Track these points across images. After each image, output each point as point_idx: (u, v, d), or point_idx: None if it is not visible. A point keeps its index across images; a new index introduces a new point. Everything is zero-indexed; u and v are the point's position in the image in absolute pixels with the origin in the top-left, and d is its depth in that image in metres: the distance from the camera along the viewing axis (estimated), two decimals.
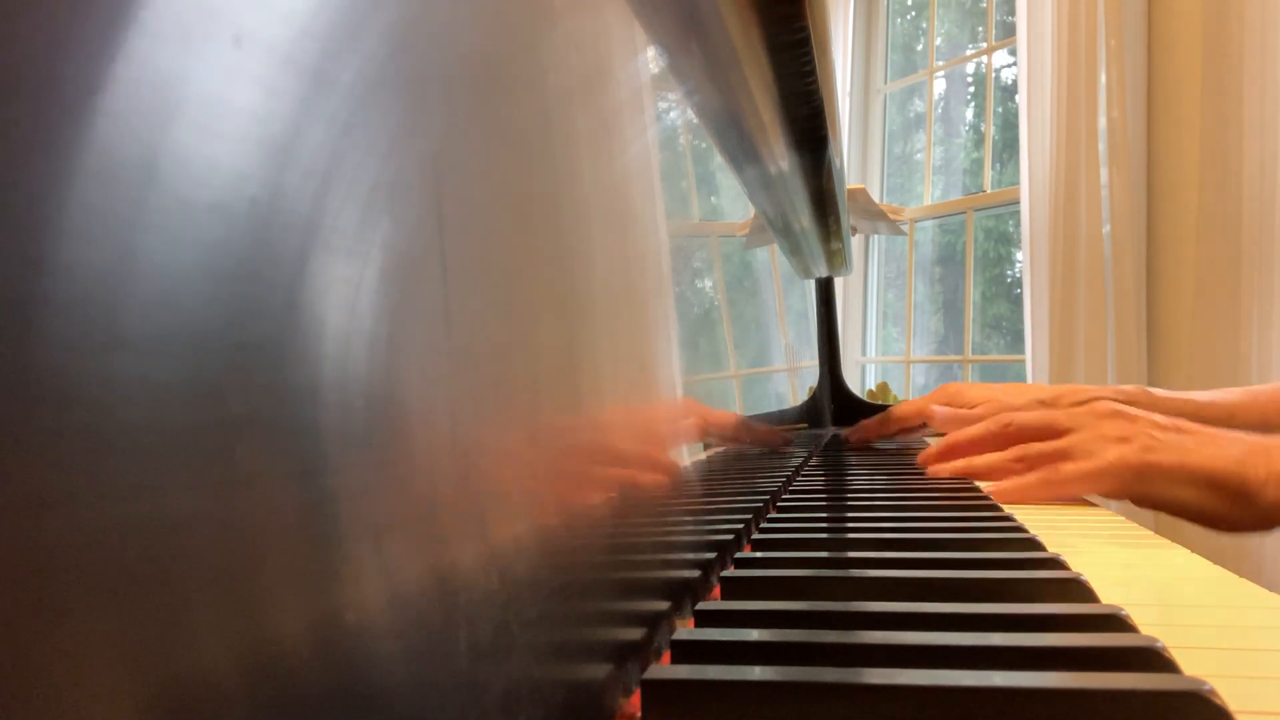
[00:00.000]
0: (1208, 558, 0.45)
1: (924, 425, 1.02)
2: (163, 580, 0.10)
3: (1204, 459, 0.57)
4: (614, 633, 0.27)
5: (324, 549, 0.13)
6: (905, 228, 2.77)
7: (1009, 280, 2.78)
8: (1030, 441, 0.66)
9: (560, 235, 0.25)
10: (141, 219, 0.10)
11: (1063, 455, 0.62)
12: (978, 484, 0.69)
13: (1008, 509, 0.56)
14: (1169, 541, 0.51)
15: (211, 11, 0.12)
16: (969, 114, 2.94)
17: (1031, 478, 0.62)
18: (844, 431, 0.86)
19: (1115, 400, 0.81)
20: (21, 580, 0.09)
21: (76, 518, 0.09)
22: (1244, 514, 0.56)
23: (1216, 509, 0.56)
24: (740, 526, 0.50)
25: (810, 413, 1.12)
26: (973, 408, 0.88)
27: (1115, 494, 0.59)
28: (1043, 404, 0.84)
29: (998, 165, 2.69)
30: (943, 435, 0.79)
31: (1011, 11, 2.45)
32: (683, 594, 0.36)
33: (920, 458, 0.77)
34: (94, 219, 0.10)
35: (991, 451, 0.69)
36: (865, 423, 1.06)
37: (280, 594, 0.12)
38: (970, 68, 2.90)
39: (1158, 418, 0.62)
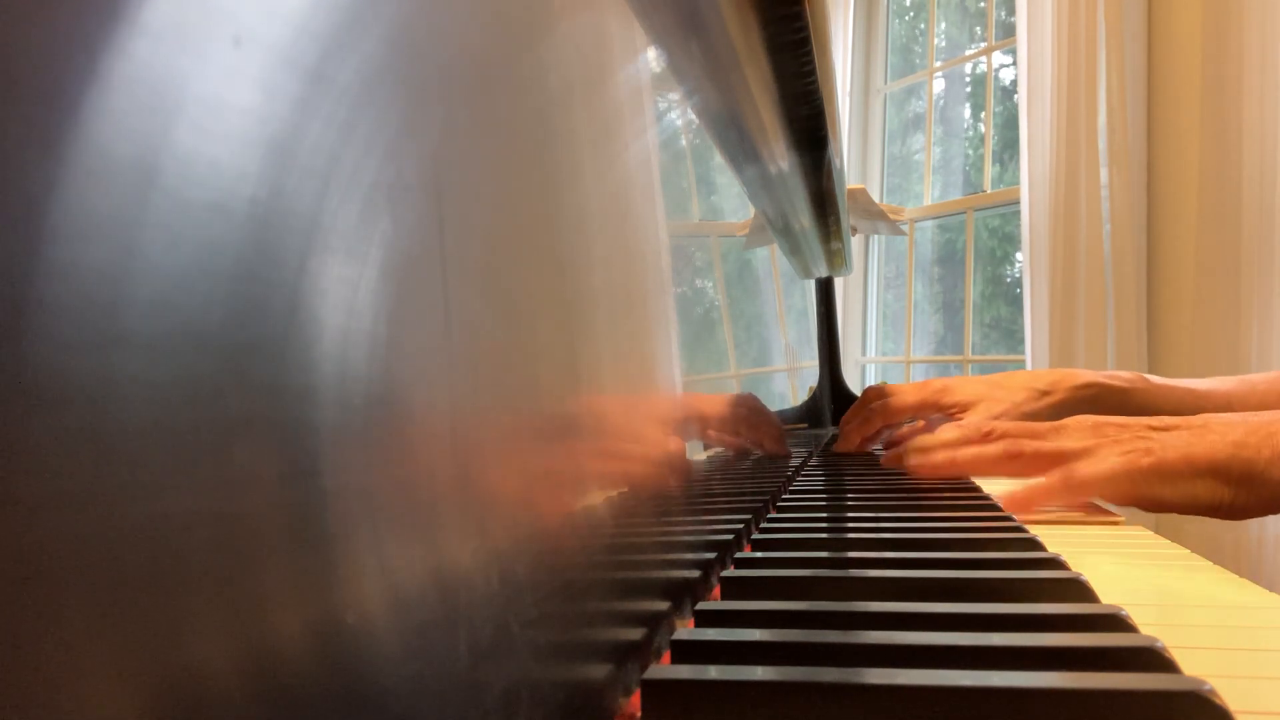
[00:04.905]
0: (1208, 557, 0.45)
1: (912, 419, 0.94)
2: (162, 580, 0.10)
3: (1206, 448, 0.55)
4: (614, 633, 0.27)
5: (324, 549, 0.13)
6: (905, 228, 2.77)
7: (1009, 280, 2.78)
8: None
9: (560, 235, 0.25)
10: (141, 219, 0.10)
11: (1062, 456, 0.60)
12: (980, 488, 0.68)
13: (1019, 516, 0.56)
14: (1168, 541, 0.51)
15: (211, 11, 0.12)
16: (968, 114, 2.94)
17: (1052, 479, 0.59)
18: (891, 455, 0.74)
19: (1103, 382, 0.80)
20: (21, 580, 0.09)
21: (76, 518, 0.09)
22: (1252, 497, 0.54)
23: (1224, 497, 0.55)
24: (740, 526, 0.49)
25: (810, 413, 1.12)
26: (964, 408, 0.83)
27: (1125, 498, 0.57)
28: (1043, 393, 0.81)
29: (998, 165, 2.69)
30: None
31: (1011, 11, 2.45)
32: (683, 594, 0.36)
33: (886, 459, 0.71)
34: (93, 219, 0.10)
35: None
36: (848, 430, 0.95)
37: (280, 594, 0.12)
38: (969, 68, 2.91)
39: (1140, 419, 0.61)
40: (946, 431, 0.69)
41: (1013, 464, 0.62)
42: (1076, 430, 0.62)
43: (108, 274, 0.10)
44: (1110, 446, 0.59)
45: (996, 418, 0.80)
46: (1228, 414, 0.59)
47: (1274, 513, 0.55)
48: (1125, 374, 0.81)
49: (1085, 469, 0.58)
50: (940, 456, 0.66)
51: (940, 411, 0.86)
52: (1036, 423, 0.66)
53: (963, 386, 0.85)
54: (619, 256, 0.31)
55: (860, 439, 0.94)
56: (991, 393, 0.82)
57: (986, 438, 0.65)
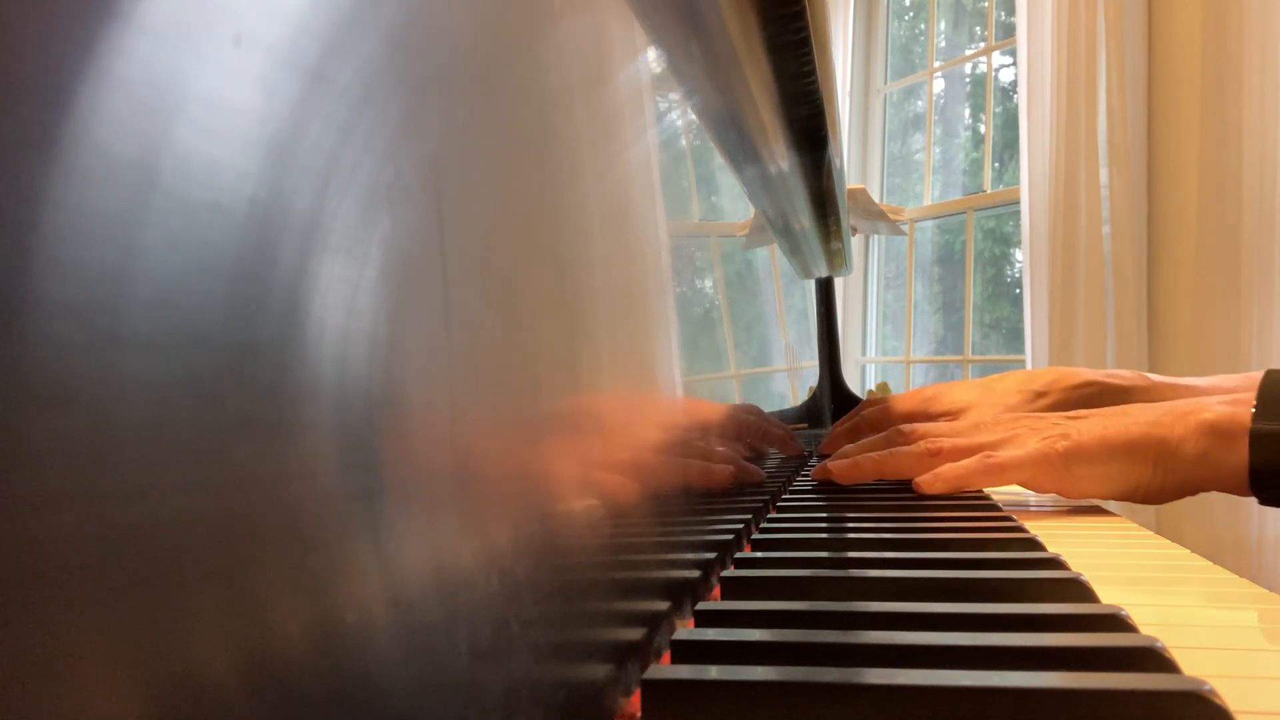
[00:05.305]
0: (1208, 557, 0.45)
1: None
2: (162, 580, 0.10)
3: (1120, 430, 0.57)
4: (614, 633, 0.27)
5: (324, 549, 0.13)
6: (905, 228, 2.77)
7: (1008, 280, 2.78)
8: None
9: (560, 235, 0.25)
10: (141, 219, 0.10)
11: (980, 449, 0.62)
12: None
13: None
14: (1168, 541, 0.51)
15: (211, 11, 0.12)
16: (968, 114, 2.94)
17: (970, 462, 0.60)
18: (819, 467, 0.69)
19: (1079, 385, 0.79)
20: (21, 580, 0.09)
21: (76, 518, 0.09)
22: (1170, 476, 0.55)
23: (1142, 477, 0.56)
24: (740, 526, 0.50)
25: (810, 413, 1.12)
26: (954, 415, 0.82)
27: (1044, 484, 0.58)
28: (1038, 394, 0.81)
29: (997, 165, 2.69)
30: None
31: (1011, 11, 2.45)
32: (683, 594, 0.36)
33: (815, 472, 0.70)
34: (93, 219, 0.10)
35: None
36: (835, 433, 0.86)
37: (280, 594, 0.12)
38: (969, 68, 2.91)
39: (1060, 413, 0.63)
40: (868, 440, 0.70)
41: (932, 461, 0.63)
42: (996, 424, 0.64)
43: (108, 274, 0.10)
44: (1029, 434, 0.60)
45: None
46: (1152, 403, 0.60)
47: (1192, 493, 0.57)
48: (1125, 373, 0.80)
49: (1003, 454, 0.59)
50: (862, 459, 0.67)
51: (929, 420, 0.85)
52: (957, 422, 0.68)
53: (951, 392, 0.84)
54: (619, 256, 0.31)
55: (844, 445, 0.94)
56: (984, 397, 0.82)
57: (908, 439, 0.66)
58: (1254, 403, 0.53)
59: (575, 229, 0.27)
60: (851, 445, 0.71)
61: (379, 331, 0.15)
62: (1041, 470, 0.58)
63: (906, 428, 0.68)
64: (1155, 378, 0.80)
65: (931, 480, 0.61)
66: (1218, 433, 0.53)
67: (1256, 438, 0.52)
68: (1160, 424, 0.56)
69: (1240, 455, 0.52)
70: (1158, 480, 0.56)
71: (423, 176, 0.17)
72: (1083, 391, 0.79)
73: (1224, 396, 0.56)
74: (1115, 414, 0.59)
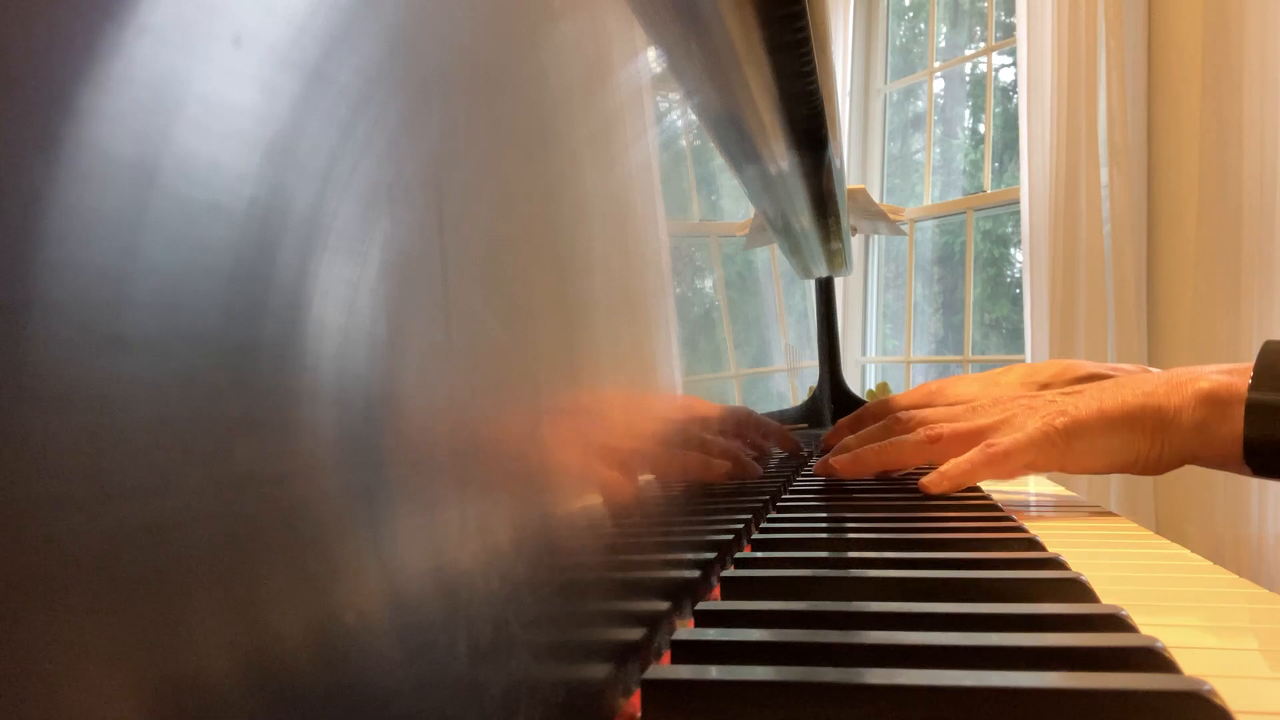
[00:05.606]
0: (1208, 557, 0.45)
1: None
2: (162, 580, 0.10)
3: (1118, 401, 0.56)
4: (614, 633, 0.27)
5: (324, 549, 0.13)
6: (905, 228, 2.77)
7: (1009, 280, 2.78)
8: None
9: (560, 235, 0.25)
10: (141, 219, 0.10)
11: (980, 433, 0.61)
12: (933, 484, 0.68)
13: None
14: (1168, 541, 0.51)
15: (211, 11, 0.12)
16: (968, 114, 2.94)
17: (973, 455, 0.59)
18: (820, 462, 0.68)
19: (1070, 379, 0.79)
20: (21, 580, 0.09)
21: (76, 518, 0.09)
22: (1167, 446, 0.55)
23: (1140, 448, 0.56)
24: (740, 526, 0.50)
25: (810, 413, 1.12)
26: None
27: (1047, 464, 0.58)
28: (1042, 387, 0.80)
29: (997, 165, 2.69)
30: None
31: (1011, 12, 2.45)
32: (683, 594, 0.36)
33: (818, 468, 0.70)
34: (93, 219, 0.10)
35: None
36: (839, 424, 0.84)
37: (280, 594, 0.12)
38: (969, 68, 2.91)
39: (1056, 390, 0.62)
40: (866, 431, 0.70)
41: (933, 448, 0.63)
42: (992, 405, 0.64)
43: (108, 274, 0.10)
44: (1026, 415, 0.60)
45: None
46: (1147, 375, 0.60)
47: (1189, 462, 0.56)
48: (1128, 366, 0.80)
49: (1004, 440, 0.58)
50: (863, 452, 0.66)
51: None
52: (954, 407, 0.67)
53: (954, 387, 0.84)
54: (619, 256, 0.31)
55: (846, 435, 0.93)
56: (987, 390, 0.81)
57: (905, 426, 0.66)
58: (1251, 373, 0.52)
59: (575, 229, 0.27)
60: (851, 437, 0.71)
61: (379, 331, 0.15)
62: (1044, 450, 0.57)
63: (904, 415, 0.67)
64: (1158, 372, 0.80)
65: (938, 480, 0.60)
66: (1214, 401, 0.53)
67: (1252, 408, 0.51)
68: (1156, 394, 0.55)
69: (1235, 425, 0.52)
70: (1155, 450, 0.55)
71: (423, 176, 0.17)
72: (1086, 384, 0.78)
73: (1221, 366, 0.55)
74: (1111, 386, 0.59)
